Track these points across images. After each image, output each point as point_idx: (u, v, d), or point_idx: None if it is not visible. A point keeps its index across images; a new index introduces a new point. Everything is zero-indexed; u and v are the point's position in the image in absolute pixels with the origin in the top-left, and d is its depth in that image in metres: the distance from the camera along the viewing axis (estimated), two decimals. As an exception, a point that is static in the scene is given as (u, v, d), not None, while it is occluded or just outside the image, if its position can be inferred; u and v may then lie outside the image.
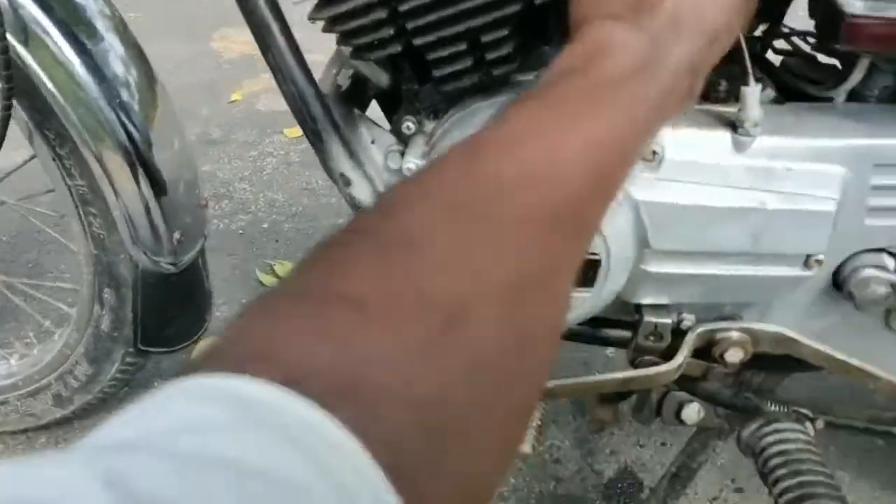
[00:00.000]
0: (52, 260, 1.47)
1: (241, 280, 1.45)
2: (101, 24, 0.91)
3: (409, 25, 0.66)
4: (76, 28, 0.88)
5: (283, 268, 1.46)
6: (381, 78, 0.76)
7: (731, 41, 0.45)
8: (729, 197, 0.61)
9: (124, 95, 0.91)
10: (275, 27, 0.68)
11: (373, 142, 0.79)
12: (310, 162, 1.74)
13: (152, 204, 0.92)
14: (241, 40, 2.53)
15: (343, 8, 0.64)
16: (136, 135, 0.90)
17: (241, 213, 1.67)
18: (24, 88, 0.84)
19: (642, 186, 0.62)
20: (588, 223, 0.35)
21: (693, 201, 0.61)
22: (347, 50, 0.72)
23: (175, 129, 0.97)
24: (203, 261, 1.00)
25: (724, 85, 0.67)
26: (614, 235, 0.61)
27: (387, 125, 0.84)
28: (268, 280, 1.44)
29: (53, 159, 0.90)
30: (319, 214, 1.63)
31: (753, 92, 0.60)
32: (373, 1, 0.64)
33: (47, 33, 0.85)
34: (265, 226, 1.63)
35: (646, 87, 0.38)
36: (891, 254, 0.64)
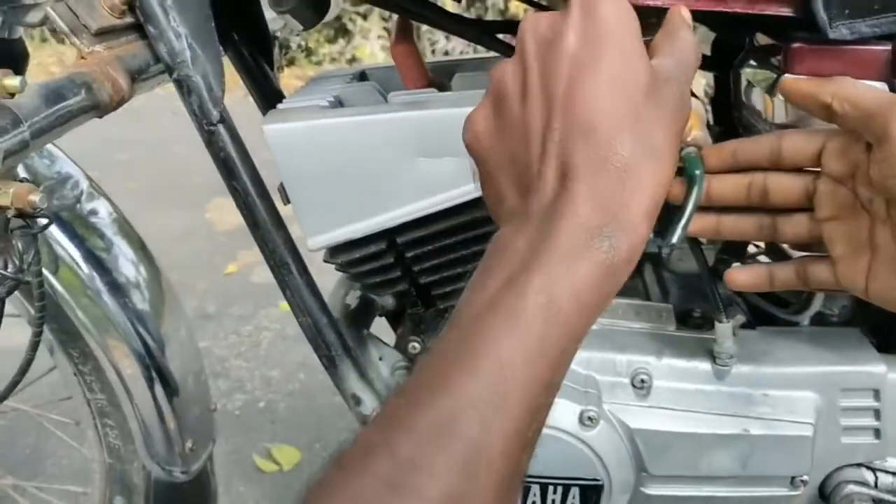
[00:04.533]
0: (59, 459, 1.48)
1: (239, 466, 1.47)
2: (111, 232, 0.98)
3: (415, 268, 0.73)
4: (95, 248, 0.95)
5: (281, 452, 1.48)
6: (388, 302, 0.83)
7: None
8: (714, 424, 0.67)
9: (136, 300, 0.97)
10: (294, 266, 0.75)
11: (381, 358, 0.85)
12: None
13: (167, 412, 0.96)
14: (234, 211, 2.65)
15: (356, 255, 0.72)
16: (149, 340, 0.96)
17: (238, 393, 1.70)
18: (52, 314, 0.90)
19: (636, 415, 0.67)
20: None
21: (683, 429, 0.67)
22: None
23: (181, 319, 1.02)
24: (211, 465, 1.03)
25: (698, 312, 0.74)
26: (614, 462, 0.67)
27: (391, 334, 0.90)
28: (265, 466, 1.46)
29: (75, 374, 0.95)
30: (316, 392, 1.67)
31: (726, 329, 0.67)
32: (381, 248, 0.71)
33: (74, 261, 0.92)
34: (261, 405, 1.66)
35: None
36: (869, 468, 0.69)
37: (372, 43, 4.84)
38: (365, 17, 4.84)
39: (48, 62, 4.32)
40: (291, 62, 4.76)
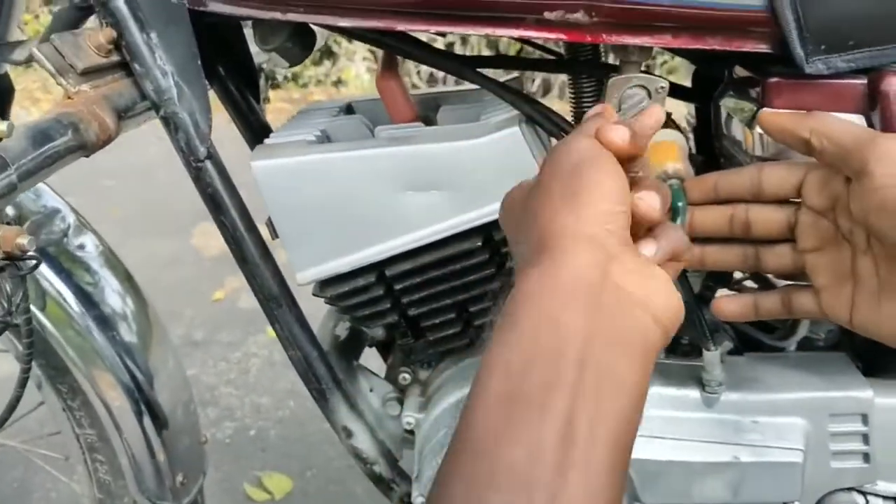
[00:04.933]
0: (47, 492, 1.46)
1: (230, 495, 1.45)
2: (97, 265, 0.97)
3: (404, 300, 0.74)
4: (82, 283, 0.95)
5: (272, 480, 1.47)
6: (378, 333, 0.83)
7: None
8: (705, 451, 0.67)
9: (124, 332, 0.96)
10: (283, 300, 0.75)
11: (371, 390, 0.85)
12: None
13: (157, 446, 0.95)
14: (220, 236, 2.63)
15: (345, 288, 0.72)
16: (137, 373, 0.95)
17: (228, 421, 1.69)
18: (40, 349, 0.89)
19: (626, 444, 0.68)
20: None
21: (674, 457, 0.67)
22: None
23: (169, 350, 1.01)
24: (201, 497, 1.02)
25: (686, 340, 0.75)
26: (604, 493, 0.67)
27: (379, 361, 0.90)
28: (256, 495, 1.44)
29: (63, 409, 0.94)
30: (306, 419, 1.66)
31: (714, 356, 0.67)
32: (370, 281, 0.72)
33: (62, 296, 0.91)
34: (252, 433, 1.65)
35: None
36: (860, 492, 0.70)
37: (357, 65, 4.86)
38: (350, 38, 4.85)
39: (33, 87, 4.30)
40: (277, 86, 4.78)
